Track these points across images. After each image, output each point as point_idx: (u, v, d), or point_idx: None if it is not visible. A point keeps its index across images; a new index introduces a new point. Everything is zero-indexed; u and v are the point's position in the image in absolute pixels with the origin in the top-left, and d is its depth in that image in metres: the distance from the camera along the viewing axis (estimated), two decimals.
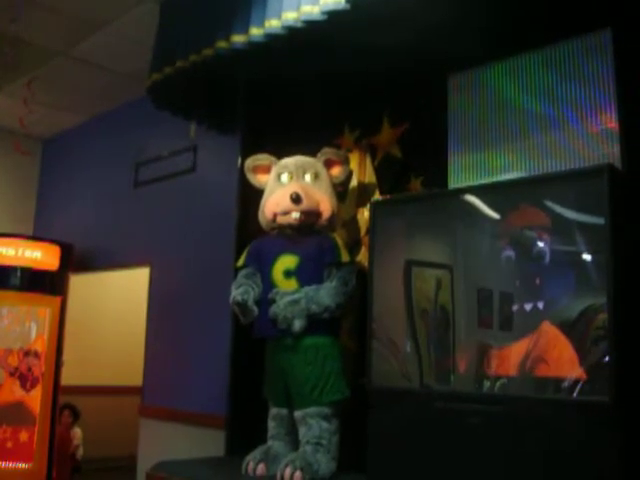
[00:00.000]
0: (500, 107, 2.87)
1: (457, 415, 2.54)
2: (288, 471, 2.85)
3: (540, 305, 2.57)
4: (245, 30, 3.29)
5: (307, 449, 2.99)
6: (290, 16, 3.09)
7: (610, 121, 2.55)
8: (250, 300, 3.10)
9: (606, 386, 2.20)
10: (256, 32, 3.25)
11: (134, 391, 5.39)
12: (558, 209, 2.53)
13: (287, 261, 3.17)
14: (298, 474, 2.83)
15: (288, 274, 3.15)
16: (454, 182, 2.93)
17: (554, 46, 2.75)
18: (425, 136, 3.32)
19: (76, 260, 5.73)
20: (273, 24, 3.16)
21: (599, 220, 2.33)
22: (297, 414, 3.09)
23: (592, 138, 2.59)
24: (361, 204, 3.57)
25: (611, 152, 2.52)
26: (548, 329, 2.48)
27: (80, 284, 6.06)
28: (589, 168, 2.53)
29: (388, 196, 3.40)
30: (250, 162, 3.46)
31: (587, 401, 2.30)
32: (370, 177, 3.56)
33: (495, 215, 2.79)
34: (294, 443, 3.15)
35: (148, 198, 5.48)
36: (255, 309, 3.13)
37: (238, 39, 3.33)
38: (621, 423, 2.22)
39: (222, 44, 3.40)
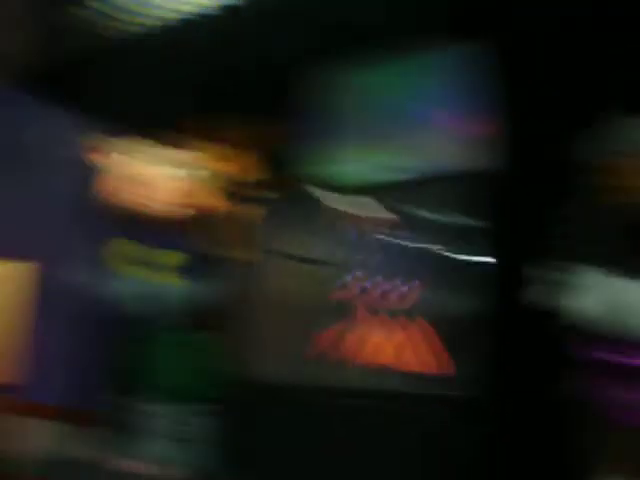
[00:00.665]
0: (368, 106, 2.92)
1: (325, 409, 2.61)
2: (162, 467, 2.84)
3: (410, 301, 2.64)
4: None
5: (182, 445, 2.98)
6: None
7: (480, 126, 2.62)
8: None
9: (472, 381, 2.30)
10: None
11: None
12: (429, 211, 2.61)
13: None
14: (173, 471, 2.84)
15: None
16: (326, 180, 2.98)
17: (427, 50, 2.81)
18: (297, 134, 3.35)
19: None
20: None
21: (470, 222, 2.45)
22: (172, 410, 3.07)
23: (464, 142, 2.65)
24: (238, 200, 3.56)
25: (481, 156, 2.58)
26: (418, 325, 2.56)
27: None
28: (459, 171, 2.61)
29: (264, 193, 3.42)
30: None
31: (452, 395, 2.38)
32: (248, 173, 3.56)
33: (358, 213, 2.86)
34: (170, 440, 3.12)
35: None
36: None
37: None
38: (485, 417, 2.30)
39: None
